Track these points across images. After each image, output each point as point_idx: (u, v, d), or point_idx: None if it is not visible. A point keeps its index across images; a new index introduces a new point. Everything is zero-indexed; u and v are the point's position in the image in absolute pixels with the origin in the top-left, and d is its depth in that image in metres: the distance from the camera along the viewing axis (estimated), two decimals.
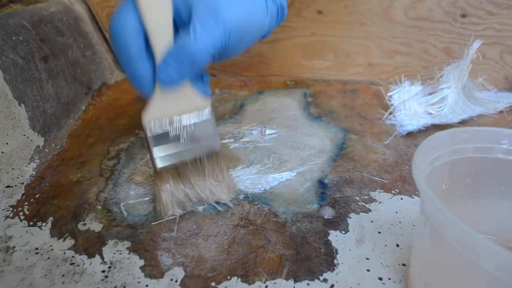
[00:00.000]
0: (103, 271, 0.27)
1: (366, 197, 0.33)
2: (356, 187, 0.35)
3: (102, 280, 0.26)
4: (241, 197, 0.34)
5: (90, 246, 0.29)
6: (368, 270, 0.26)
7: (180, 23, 0.29)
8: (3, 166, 0.35)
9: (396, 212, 0.32)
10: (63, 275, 0.26)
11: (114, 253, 0.28)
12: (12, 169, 0.36)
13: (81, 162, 0.40)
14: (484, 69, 0.51)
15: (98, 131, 0.45)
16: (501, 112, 0.46)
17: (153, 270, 0.27)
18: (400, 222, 0.30)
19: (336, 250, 0.28)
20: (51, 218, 0.32)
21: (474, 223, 0.22)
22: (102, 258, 0.28)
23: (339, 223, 0.30)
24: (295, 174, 0.37)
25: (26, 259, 0.28)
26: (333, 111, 0.49)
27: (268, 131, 0.44)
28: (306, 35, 0.56)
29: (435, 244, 0.20)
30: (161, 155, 0.30)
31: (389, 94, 0.47)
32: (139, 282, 0.26)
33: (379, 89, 0.52)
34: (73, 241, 0.29)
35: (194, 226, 0.30)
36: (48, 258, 0.28)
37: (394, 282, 0.25)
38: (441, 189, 0.25)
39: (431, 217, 0.20)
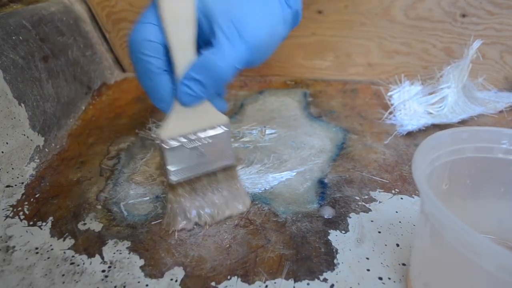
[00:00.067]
0: (103, 271, 0.27)
1: (366, 196, 0.33)
2: (356, 186, 0.35)
3: (102, 279, 0.26)
4: None
5: (90, 245, 0.29)
6: (368, 270, 0.26)
7: (199, 33, 0.27)
8: (3, 165, 0.35)
9: (396, 212, 0.32)
10: (63, 275, 0.26)
11: (114, 253, 0.28)
12: (12, 168, 0.36)
13: (81, 162, 0.40)
14: (484, 69, 0.51)
15: (98, 131, 0.45)
16: (501, 112, 0.46)
17: (153, 269, 0.27)
18: (400, 222, 0.30)
19: (336, 250, 0.28)
20: (51, 218, 0.32)
21: (474, 223, 0.22)
22: (102, 257, 0.28)
23: (339, 222, 0.30)
24: (295, 173, 0.37)
25: (26, 258, 0.28)
26: (333, 111, 0.49)
27: (268, 131, 0.44)
28: (306, 35, 0.56)
29: (435, 244, 0.20)
30: (175, 169, 0.29)
31: (389, 94, 0.47)
32: (139, 282, 0.26)
33: (379, 89, 0.52)
34: (73, 241, 0.29)
35: (194, 226, 0.31)
36: (48, 258, 0.28)
37: (394, 281, 0.25)
38: (441, 189, 0.25)
39: (431, 217, 0.20)
